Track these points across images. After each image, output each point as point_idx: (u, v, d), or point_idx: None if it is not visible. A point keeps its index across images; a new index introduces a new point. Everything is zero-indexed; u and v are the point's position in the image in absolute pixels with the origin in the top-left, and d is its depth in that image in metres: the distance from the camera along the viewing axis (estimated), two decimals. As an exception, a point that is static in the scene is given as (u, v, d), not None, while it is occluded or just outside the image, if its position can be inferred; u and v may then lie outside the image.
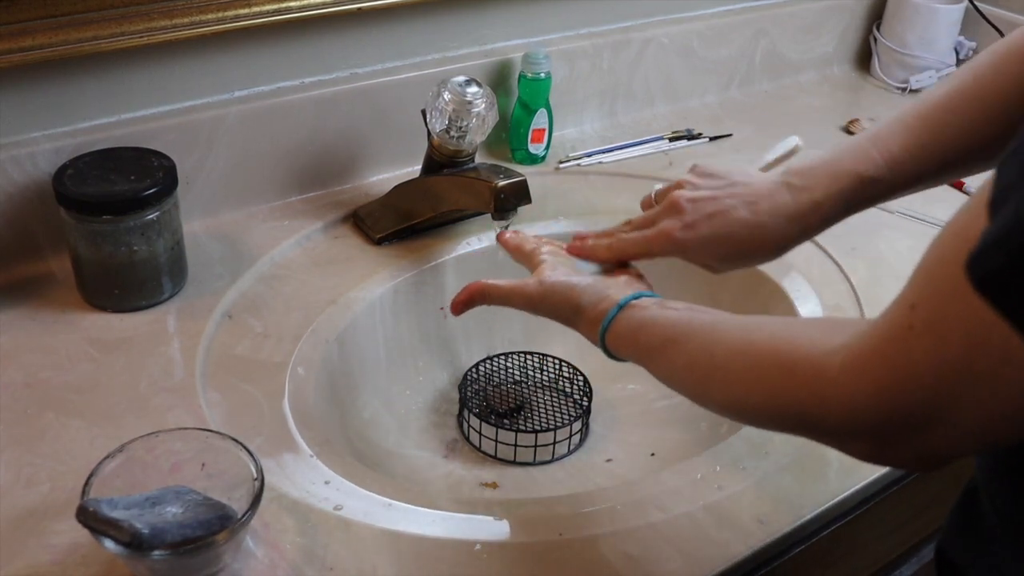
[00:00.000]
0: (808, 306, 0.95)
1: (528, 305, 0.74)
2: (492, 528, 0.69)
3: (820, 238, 1.03)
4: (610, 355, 0.68)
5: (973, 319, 0.40)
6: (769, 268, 0.99)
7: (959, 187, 1.16)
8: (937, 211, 1.10)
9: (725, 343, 0.58)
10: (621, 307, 0.67)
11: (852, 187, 0.68)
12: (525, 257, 0.79)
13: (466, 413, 0.96)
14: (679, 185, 0.74)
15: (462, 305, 0.76)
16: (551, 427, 0.94)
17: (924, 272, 0.45)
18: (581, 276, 0.73)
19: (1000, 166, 0.42)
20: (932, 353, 0.43)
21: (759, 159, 0.80)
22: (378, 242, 1.01)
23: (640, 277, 0.75)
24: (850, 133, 1.31)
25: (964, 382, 0.42)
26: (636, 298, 0.67)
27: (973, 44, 1.45)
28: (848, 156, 0.69)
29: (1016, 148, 0.41)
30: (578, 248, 0.77)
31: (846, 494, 0.73)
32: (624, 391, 1.02)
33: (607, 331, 0.67)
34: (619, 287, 0.71)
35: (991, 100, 0.64)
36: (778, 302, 0.98)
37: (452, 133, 0.94)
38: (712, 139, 1.27)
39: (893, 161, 0.67)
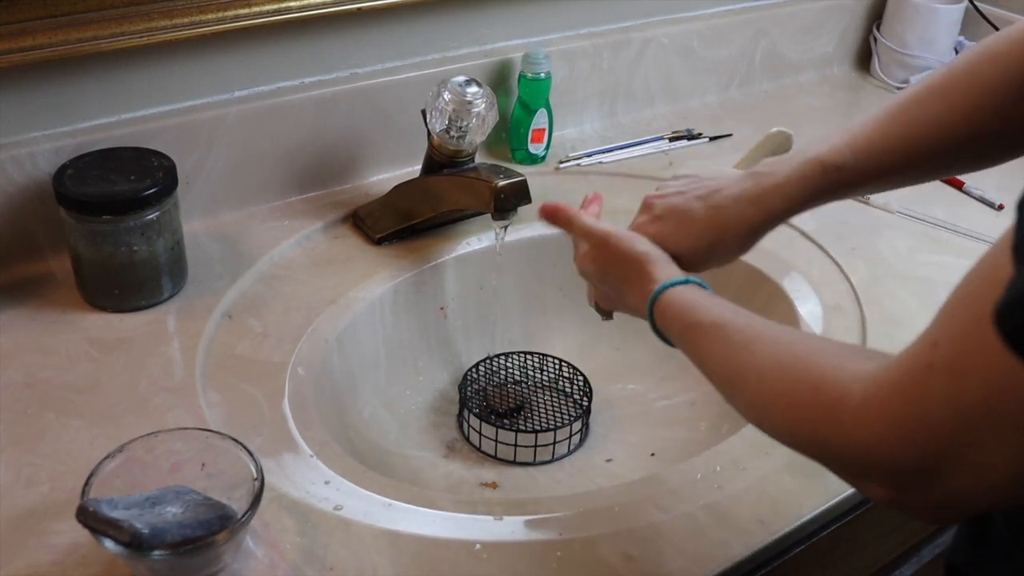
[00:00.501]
0: (808, 306, 0.95)
1: (597, 246, 0.74)
2: (492, 528, 0.69)
3: (820, 238, 1.04)
4: (652, 321, 0.67)
5: (995, 363, 0.40)
6: (769, 268, 0.99)
7: (958, 185, 1.16)
8: (937, 211, 1.10)
9: (767, 344, 0.57)
10: (688, 281, 0.67)
11: (814, 172, 0.69)
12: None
13: (466, 413, 0.96)
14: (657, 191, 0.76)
15: (547, 213, 0.79)
16: (551, 427, 0.94)
17: (948, 311, 0.44)
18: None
19: (1020, 209, 0.41)
20: (950, 393, 0.42)
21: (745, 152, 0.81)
22: (378, 242, 1.01)
23: None
24: (850, 133, 1.31)
25: (983, 426, 0.41)
26: (698, 283, 0.67)
27: (973, 44, 1.45)
28: (814, 145, 0.70)
29: None
30: (556, 211, 0.78)
31: (846, 494, 0.73)
32: (624, 391, 1.02)
33: (663, 292, 0.66)
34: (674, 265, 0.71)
35: (960, 96, 0.64)
36: (778, 302, 0.98)
37: (452, 133, 0.94)
38: (712, 139, 1.27)
39: (857, 149, 0.67)
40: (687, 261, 0.72)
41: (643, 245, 0.72)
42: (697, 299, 0.65)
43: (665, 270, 0.69)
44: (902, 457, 0.44)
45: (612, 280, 0.73)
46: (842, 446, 0.48)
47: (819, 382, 0.50)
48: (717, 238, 0.72)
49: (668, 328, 0.66)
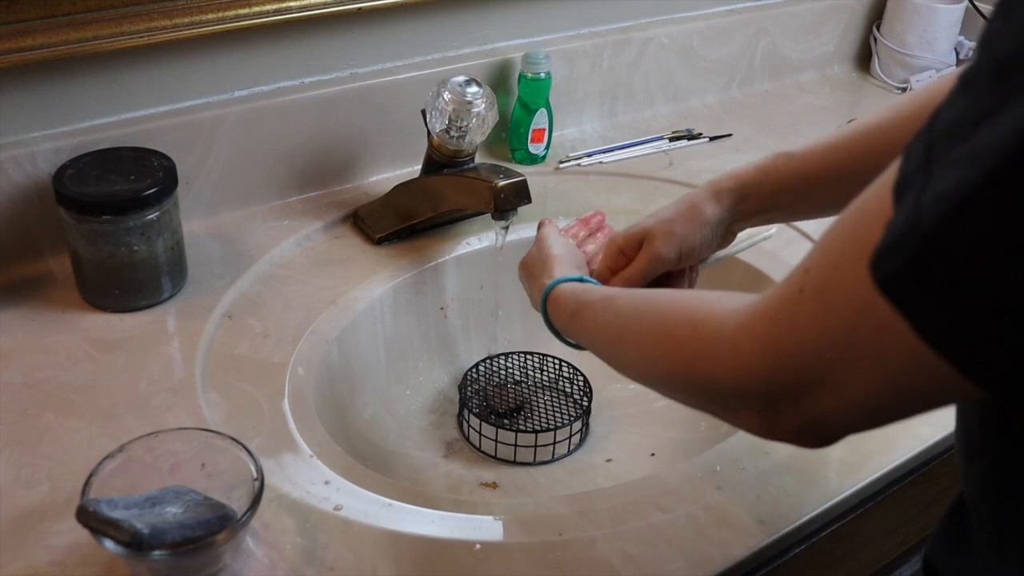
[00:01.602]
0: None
1: (533, 246, 0.82)
2: (492, 528, 0.69)
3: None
4: (545, 311, 0.74)
5: (861, 295, 0.40)
6: (769, 268, 0.99)
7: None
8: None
9: (652, 302, 0.59)
10: (583, 279, 0.74)
11: (766, 158, 0.75)
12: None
13: (466, 413, 0.96)
14: None
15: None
16: (551, 427, 0.94)
17: (825, 240, 0.45)
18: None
19: (906, 148, 0.41)
20: (816, 317, 0.43)
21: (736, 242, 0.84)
22: (378, 242, 1.01)
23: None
24: (850, 133, 1.31)
25: (846, 349, 0.42)
26: (593, 282, 0.74)
27: (973, 44, 1.45)
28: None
29: (918, 134, 0.41)
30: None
31: (846, 494, 0.73)
32: (624, 391, 1.02)
33: (556, 285, 0.73)
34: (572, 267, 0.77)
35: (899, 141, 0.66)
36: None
37: (452, 133, 0.94)
38: (712, 139, 1.27)
39: (807, 146, 0.73)
40: (664, 239, 0.76)
41: (558, 248, 0.79)
42: (588, 288, 0.71)
43: (564, 269, 0.75)
44: (773, 380, 0.46)
45: (525, 277, 0.81)
46: (719, 377, 0.49)
47: (696, 321, 0.52)
48: (688, 213, 0.76)
49: (560, 314, 0.71)
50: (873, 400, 0.43)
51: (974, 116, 0.37)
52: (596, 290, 0.70)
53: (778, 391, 0.47)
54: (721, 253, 0.82)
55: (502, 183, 0.91)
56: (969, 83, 0.39)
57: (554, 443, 0.93)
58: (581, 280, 0.74)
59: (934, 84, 0.67)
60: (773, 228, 0.85)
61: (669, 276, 0.79)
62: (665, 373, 0.56)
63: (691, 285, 0.80)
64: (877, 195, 0.42)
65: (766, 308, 0.47)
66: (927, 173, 0.38)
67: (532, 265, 0.80)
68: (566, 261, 0.78)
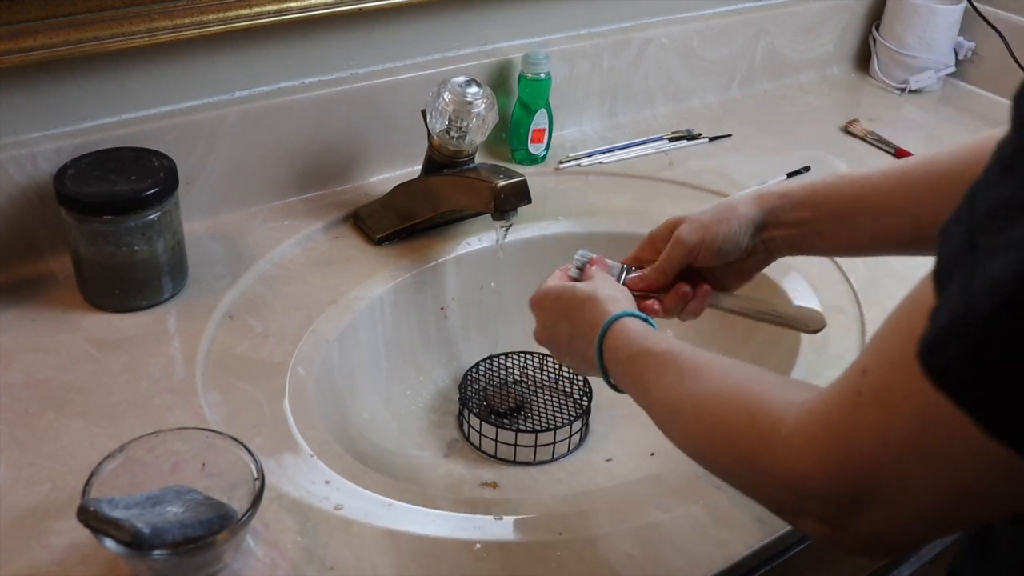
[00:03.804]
0: (807, 305, 0.95)
1: (547, 299, 0.75)
2: (492, 528, 0.69)
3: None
4: (600, 351, 0.68)
5: (921, 394, 0.39)
6: (769, 268, 0.99)
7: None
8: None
9: (714, 373, 0.57)
10: (631, 314, 0.68)
11: (816, 179, 0.73)
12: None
13: (466, 413, 0.96)
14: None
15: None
16: (551, 427, 0.94)
17: (879, 339, 0.43)
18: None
19: (941, 235, 0.40)
20: (877, 422, 0.41)
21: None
22: (378, 242, 1.01)
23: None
24: (850, 133, 1.31)
25: (910, 457, 0.41)
26: (647, 319, 0.68)
27: (972, 44, 1.45)
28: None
29: (955, 216, 0.40)
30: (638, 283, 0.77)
31: (846, 494, 0.73)
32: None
33: (616, 320, 0.67)
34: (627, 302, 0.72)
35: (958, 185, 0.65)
36: (776, 300, 0.98)
37: (452, 133, 0.95)
38: (712, 139, 1.27)
39: (858, 173, 0.71)
40: (689, 225, 0.74)
41: (584, 288, 0.72)
42: (649, 330, 0.66)
43: (616, 305, 0.69)
44: (832, 486, 0.44)
45: (563, 317, 0.73)
46: (775, 475, 0.47)
47: (755, 409, 0.49)
48: (722, 208, 0.74)
49: (618, 353, 0.66)
50: (945, 507, 0.41)
51: (1021, 200, 0.36)
52: (656, 337, 0.65)
53: (838, 500, 0.44)
54: (742, 306, 0.78)
55: (502, 183, 0.91)
56: (1010, 165, 0.38)
57: (554, 443, 0.93)
58: (636, 315, 0.68)
59: (978, 142, 0.64)
60: (821, 323, 0.78)
61: (689, 279, 0.76)
62: (723, 462, 0.54)
63: (689, 307, 0.76)
64: (924, 288, 0.40)
65: (824, 410, 0.45)
66: (973, 259, 0.37)
67: (572, 304, 0.72)
68: (609, 297, 0.71)
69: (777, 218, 0.73)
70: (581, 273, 0.78)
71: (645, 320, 0.68)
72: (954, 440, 0.38)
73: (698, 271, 0.77)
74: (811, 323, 0.77)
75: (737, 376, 0.55)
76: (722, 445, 0.53)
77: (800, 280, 0.99)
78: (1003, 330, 0.35)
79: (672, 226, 0.76)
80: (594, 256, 0.78)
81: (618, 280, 0.76)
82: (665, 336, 0.65)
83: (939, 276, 0.39)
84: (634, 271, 0.78)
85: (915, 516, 0.42)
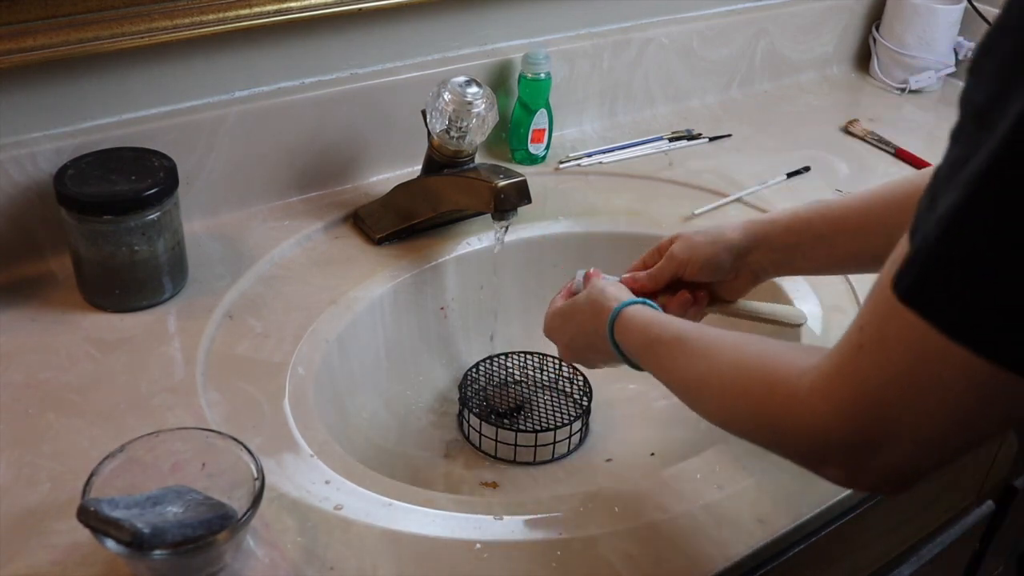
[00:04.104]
0: (808, 306, 0.95)
1: (556, 315, 0.83)
2: (492, 528, 0.69)
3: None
4: (614, 341, 0.74)
5: (910, 332, 0.45)
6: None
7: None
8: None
9: (724, 351, 0.63)
10: (633, 303, 0.74)
11: (801, 205, 0.80)
12: None
13: (466, 413, 0.96)
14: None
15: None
16: (551, 427, 0.94)
17: (870, 296, 0.49)
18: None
19: (918, 201, 0.47)
20: (879, 368, 0.47)
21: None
22: (378, 242, 1.01)
23: None
24: (850, 133, 1.31)
25: (912, 392, 0.46)
26: (651, 304, 0.75)
27: (972, 44, 1.45)
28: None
29: (927, 185, 0.47)
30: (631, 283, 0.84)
31: (846, 494, 0.73)
32: (624, 391, 1.02)
33: (620, 312, 0.74)
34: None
35: (865, 228, 0.74)
36: (777, 302, 0.98)
37: (452, 133, 0.95)
38: (712, 139, 1.27)
39: (841, 198, 0.79)
40: (682, 242, 0.82)
41: (584, 296, 0.79)
42: (654, 316, 0.72)
43: (618, 294, 0.76)
44: (849, 434, 0.49)
45: (575, 328, 0.80)
46: (799, 434, 0.53)
47: (773, 379, 0.55)
48: (713, 231, 0.81)
49: (629, 343, 0.72)
50: (948, 433, 0.47)
51: (963, 158, 0.44)
52: (665, 325, 0.70)
53: (857, 444, 0.49)
54: (734, 310, 0.85)
55: (502, 183, 0.91)
56: (957, 136, 0.46)
57: (554, 443, 0.93)
58: (641, 302, 0.74)
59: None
60: (803, 319, 0.87)
61: (681, 286, 0.83)
62: (750, 429, 0.60)
63: (689, 312, 0.83)
64: (901, 245, 0.47)
65: (833, 368, 0.50)
66: (931, 210, 0.45)
67: (577, 312, 0.79)
68: (608, 287, 0.78)
69: (763, 243, 0.80)
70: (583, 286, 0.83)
71: (646, 303, 0.74)
72: (945, 367, 0.44)
73: (699, 284, 0.83)
74: (794, 319, 0.87)
75: (749, 351, 0.60)
76: (747, 415, 0.58)
77: (800, 281, 0.99)
78: (950, 248, 0.43)
79: (673, 240, 0.83)
80: (591, 270, 0.84)
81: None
82: (669, 318, 0.71)
83: (911, 232, 0.46)
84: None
85: (923, 448, 0.48)
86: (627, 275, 0.84)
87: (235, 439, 0.67)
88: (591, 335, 0.77)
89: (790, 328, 0.88)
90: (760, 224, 0.80)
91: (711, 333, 0.66)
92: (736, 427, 0.62)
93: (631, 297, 0.76)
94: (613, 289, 0.78)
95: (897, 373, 0.46)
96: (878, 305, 0.48)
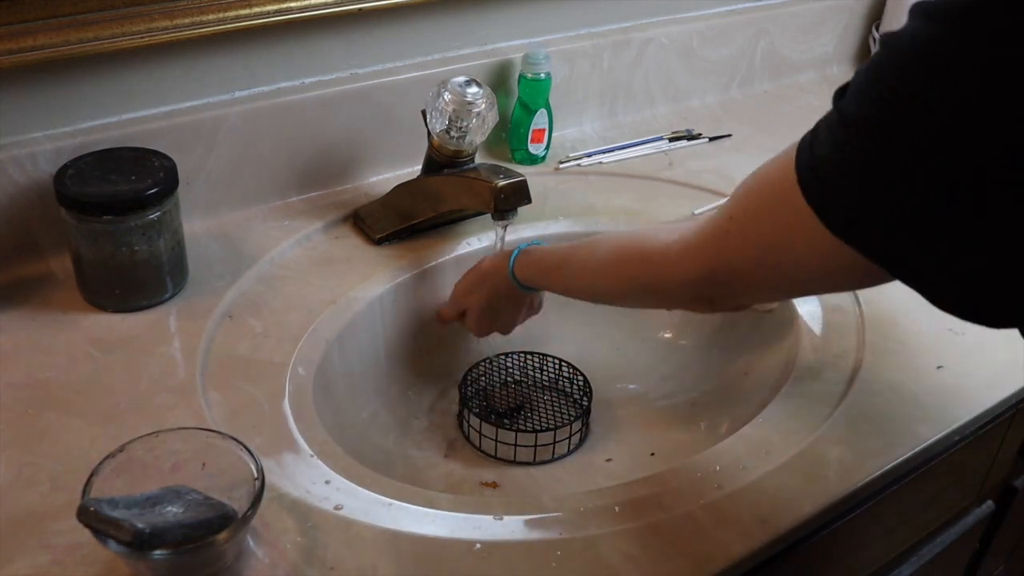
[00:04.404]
0: (808, 306, 0.95)
1: (460, 291, 0.97)
2: (492, 528, 0.69)
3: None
4: (517, 282, 0.90)
5: (769, 228, 0.61)
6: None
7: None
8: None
9: (603, 248, 0.81)
10: (521, 249, 0.90)
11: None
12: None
13: (466, 413, 0.96)
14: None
15: (441, 319, 1.01)
16: (551, 427, 0.94)
17: (743, 195, 0.64)
18: None
19: (801, 141, 0.61)
20: (740, 250, 0.64)
21: None
22: (378, 242, 1.01)
23: None
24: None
25: (761, 260, 0.62)
26: (535, 243, 0.92)
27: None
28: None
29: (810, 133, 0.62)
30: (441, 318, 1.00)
31: (846, 494, 0.73)
32: (624, 391, 1.02)
33: (516, 260, 0.89)
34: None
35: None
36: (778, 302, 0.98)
37: (452, 133, 0.95)
38: (712, 139, 1.27)
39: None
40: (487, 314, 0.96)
41: (456, 288, 0.97)
42: (543, 250, 0.89)
43: (499, 256, 0.92)
44: (707, 286, 0.68)
45: (486, 294, 0.94)
46: (674, 289, 0.72)
47: (647, 255, 0.74)
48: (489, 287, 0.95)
49: (530, 277, 0.89)
50: (780, 289, 0.72)
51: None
52: (554, 252, 0.87)
53: (715, 291, 0.69)
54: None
55: (502, 183, 0.91)
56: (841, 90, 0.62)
57: (554, 443, 0.93)
58: (525, 246, 0.90)
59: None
60: None
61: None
62: (636, 292, 0.78)
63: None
64: (786, 157, 0.60)
65: (700, 241, 0.68)
66: (810, 146, 0.60)
67: (482, 272, 0.94)
68: (484, 260, 0.95)
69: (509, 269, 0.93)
70: None
71: (534, 244, 0.91)
72: (793, 238, 0.59)
73: None
74: (762, 307, 0.98)
75: (622, 240, 0.79)
76: (631, 283, 0.77)
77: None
78: (845, 160, 0.55)
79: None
80: None
81: None
82: (556, 247, 0.88)
83: (837, 96, 0.61)
84: None
85: (764, 294, 0.75)
86: None
87: (235, 439, 0.67)
88: (498, 285, 0.92)
89: (761, 311, 0.97)
90: (496, 263, 0.94)
91: (583, 244, 0.83)
92: (626, 297, 0.81)
93: (510, 251, 0.90)
94: (486, 260, 0.93)
95: (755, 258, 0.63)
96: (749, 204, 0.63)
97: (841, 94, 0.58)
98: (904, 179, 0.51)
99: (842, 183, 0.55)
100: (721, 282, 0.67)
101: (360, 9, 1.02)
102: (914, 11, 0.55)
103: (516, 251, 0.90)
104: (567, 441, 0.94)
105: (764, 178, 0.63)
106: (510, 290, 0.92)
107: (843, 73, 1.50)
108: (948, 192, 0.50)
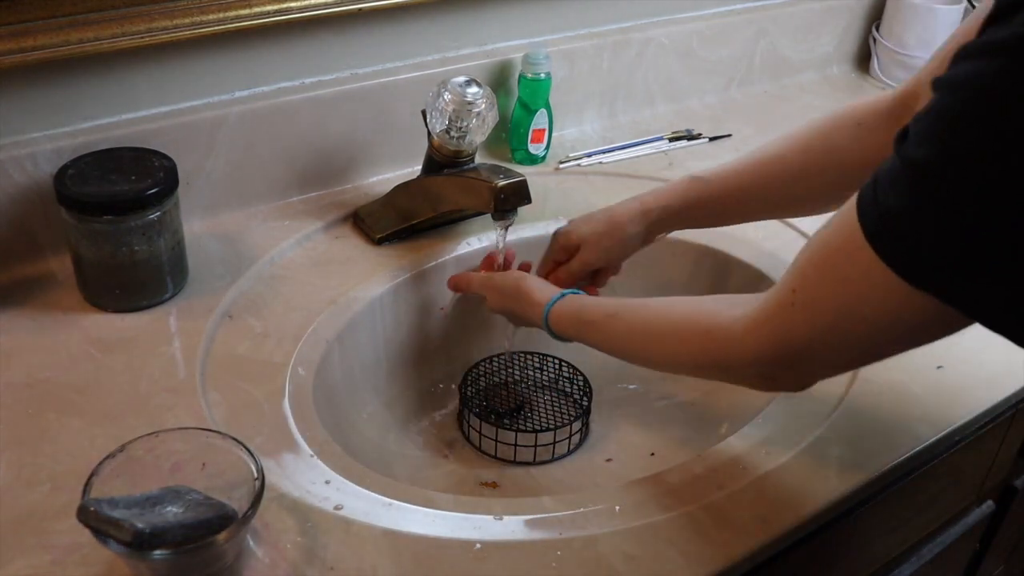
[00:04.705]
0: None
1: (489, 289, 0.93)
2: (492, 528, 0.69)
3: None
4: (551, 332, 0.86)
5: (840, 298, 0.58)
6: (769, 268, 1.00)
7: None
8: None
9: (658, 316, 0.76)
10: (563, 295, 0.86)
11: (682, 181, 0.92)
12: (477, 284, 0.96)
13: (466, 413, 0.96)
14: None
15: (452, 286, 0.98)
16: (551, 427, 0.94)
17: (803, 264, 0.62)
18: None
19: (859, 200, 0.56)
20: (808, 324, 0.61)
21: None
22: (378, 242, 1.01)
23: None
24: (850, 133, 1.31)
25: (834, 340, 0.61)
26: (574, 293, 0.87)
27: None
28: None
29: (867, 188, 0.56)
30: (456, 282, 0.97)
31: (846, 494, 0.73)
32: (624, 391, 1.02)
33: (550, 309, 0.85)
34: (552, 287, 0.89)
35: (801, 181, 0.86)
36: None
37: (452, 133, 0.95)
38: (712, 139, 1.27)
39: (718, 174, 0.91)
40: (593, 250, 0.93)
41: (512, 279, 0.91)
42: (580, 303, 0.84)
43: (543, 292, 0.87)
44: (774, 365, 0.65)
45: (512, 310, 0.91)
46: (738, 368, 0.68)
47: (709, 331, 0.70)
48: (615, 232, 0.93)
49: (566, 330, 0.84)
50: (852, 362, 0.67)
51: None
52: (594, 308, 0.82)
53: (779, 370, 0.65)
54: None
55: (502, 183, 0.91)
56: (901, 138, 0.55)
57: (554, 443, 0.93)
58: (563, 295, 0.86)
59: (811, 128, 0.86)
60: None
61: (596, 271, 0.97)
62: (693, 368, 0.74)
63: (610, 275, 0.98)
64: (846, 220, 0.57)
65: (764, 318, 0.64)
66: (874, 200, 0.55)
67: (508, 301, 0.91)
68: (535, 284, 0.89)
69: (659, 227, 0.93)
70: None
71: (569, 293, 0.86)
72: (866, 299, 0.56)
73: None
74: None
75: (677, 311, 0.75)
76: (695, 359, 0.72)
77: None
78: (921, 207, 0.52)
79: (578, 244, 0.94)
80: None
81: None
82: (595, 301, 0.84)
83: (875, 192, 0.55)
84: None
85: (833, 370, 0.68)
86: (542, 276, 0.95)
87: (235, 439, 0.67)
88: (528, 320, 0.89)
89: None
90: (656, 212, 0.92)
91: (633, 304, 0.79)
92: (682, 371, 0.77)
93: (554, 292, 0.86)
94: (532, 285, 0.88)
95: (824, 326, 0.60)
96: (812, 273, 0.61)
97: (900, 140, 0.55)
98: (984, 221, 0.49)
99: (918, 232, 0.52)
100: (790, 358, 0.64)
101: (360, 9, 1.02)
102: (966, 53, 0.52)
103: (550, 303, 0.85)
104: (567, 441, 0.94)
105: (824, 243, 0.60)
106: (531, 324, 0.89)
107: (843, 73, 1.50)
108: None
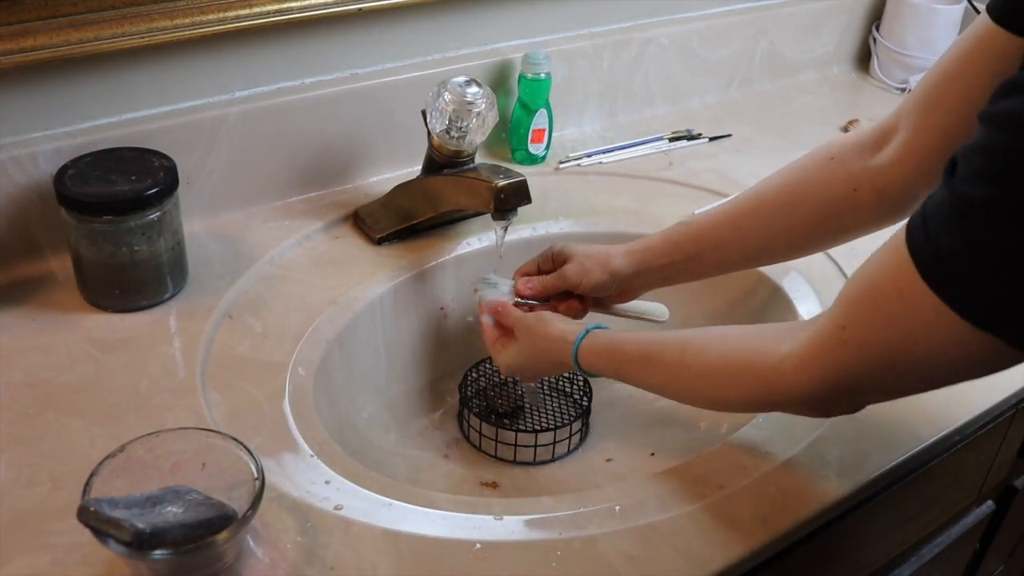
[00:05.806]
0: (807, 306, 0.95)
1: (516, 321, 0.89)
2: (492, 528, 0.69)
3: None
4: (580, 369, 0.82)
5: (890, 335, 0.58)
6: (769, 268, 1.00)
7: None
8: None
9: (700, 357, 0.74)
10: (589, 331, 0.82)
11: (668, 228, 0.91)
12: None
13: (466, 413, 0.96)
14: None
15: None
16: (551, 427, 0.94)
17: (852, 299, 0.61)
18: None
19: (909, 237, 0.56)
20: (862, 357, 0.61)
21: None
22: (378, 242, 1.01)
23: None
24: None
25: (887, 370, 0.60)
26: (598, 328, 0.83)
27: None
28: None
29: (916, 226, 0.56)
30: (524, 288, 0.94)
31: (846, 494, 0.73)
32: (624, 391, 1.02)
33: (579, 346, 0.81)
34: (577, 323, 0.86)
35: (777, 218, 0.84)
36: (777, 302, 0.98)
37: (452, 133, 0.95)
38: (712, 139, 1.27)
39: (698, 218, 0.90)
40: (576, 267, 0.91)
41: (541, 320, 0.86)
42: (609, 341, 0.81)
43: (566, 326, 0.84)
44: (828, 399, 0.65)
45: (530, 355, 0.87)
46: (788, 403, 0.68)
47: (757, 371, 0.69)
48: (602, 258, 0.91)
49: (598, 368, 0.81)
50: (908, 389, 0.65)
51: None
52: (627, 345, 0.79)
53: (831, 402, 0.66)
54: (611, 310, 0.96)
55: (502, 183, 0.91)
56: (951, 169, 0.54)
57: (554, 443, 0.93)
58: (588, 331, 0.82)
59: (795, 172, 0.84)
60: (664, 316, 0.97)
61: (566, 294, 0.93)
62: (743, 406, 0.73)
63: (576, 314, 0.93)
64: (894, 251, 0.57)
65: (814, 355, 0.64)
66: (927, 237, 0.55)
67: (535, 356, 0.87)
68: (554, 318, 0.87)
69: (643, 269, 0.91)
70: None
71: (593, 328, 0.83)
72: (922, 337, 0.56)
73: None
74: (657, 316, 0.97)
75: (723, 349, 0.72)
76: (740, 398, 0.71)
77: (799, 280, 0.99)
78: (974, 246, 0.52)
79: (566, 257, 0.92)
80: (490, 298, 0.92)
81: (511, 291, 0.93)
82: (623, 338, 0.80)
83: (926, 233, 0.55)
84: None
85: (879, 395, 0.67)
86: (521, 278, 0.93)
87: (235, 439, 0.67)
88: (556, 366, 0.86)
89: (656, 324, 0.97)
90: (639, 252, 0.91)
91: (669, 342, 0.77)
92: (730, 408, 0.77)
93: (579, 329, 0.83)
94: (557, 324, 0.85)
95: (876, 363, 0.60)
96: (861, 311, 0.60)
97: (950, 174, 0.54)
98: None
99: (977, 272, 0.52)
100: (841, 392, 0.64)
101: (360, 9, 1.02)
102: (1013, 88, 0.52)
103: (579, 338, 0.82)
104: (567, 441, 0.94)
105: (873, 280, 0.60)
106: (558, 366, 0.86)
107: (843, 73, 1.50)
108: None
